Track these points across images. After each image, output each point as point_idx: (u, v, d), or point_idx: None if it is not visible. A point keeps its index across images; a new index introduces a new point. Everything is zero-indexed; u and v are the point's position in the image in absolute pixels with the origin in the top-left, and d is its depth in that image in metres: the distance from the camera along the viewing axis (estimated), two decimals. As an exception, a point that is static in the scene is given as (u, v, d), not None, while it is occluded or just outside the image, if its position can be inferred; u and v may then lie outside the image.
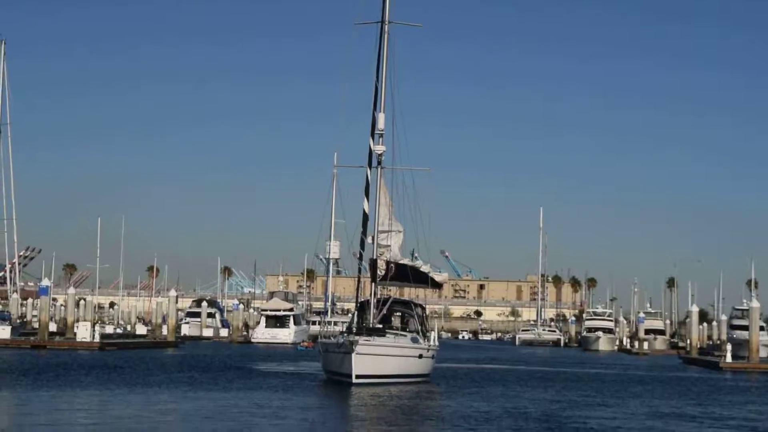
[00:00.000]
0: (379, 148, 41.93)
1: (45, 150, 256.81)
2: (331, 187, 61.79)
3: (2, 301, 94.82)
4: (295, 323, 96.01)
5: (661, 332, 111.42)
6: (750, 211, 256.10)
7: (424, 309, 44.00)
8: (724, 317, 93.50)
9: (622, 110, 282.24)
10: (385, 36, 41.82)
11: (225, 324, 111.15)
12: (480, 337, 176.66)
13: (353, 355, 35.93)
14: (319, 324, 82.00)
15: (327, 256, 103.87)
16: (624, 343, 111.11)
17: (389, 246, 42.67)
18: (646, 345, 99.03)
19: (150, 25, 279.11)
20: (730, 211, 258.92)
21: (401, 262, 42.72)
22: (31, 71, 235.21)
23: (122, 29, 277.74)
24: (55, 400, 28.61)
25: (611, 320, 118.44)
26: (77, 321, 73.74)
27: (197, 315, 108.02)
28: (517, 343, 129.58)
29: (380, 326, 39.97)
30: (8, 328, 67.57)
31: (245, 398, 31.15)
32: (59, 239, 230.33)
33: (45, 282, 71.14)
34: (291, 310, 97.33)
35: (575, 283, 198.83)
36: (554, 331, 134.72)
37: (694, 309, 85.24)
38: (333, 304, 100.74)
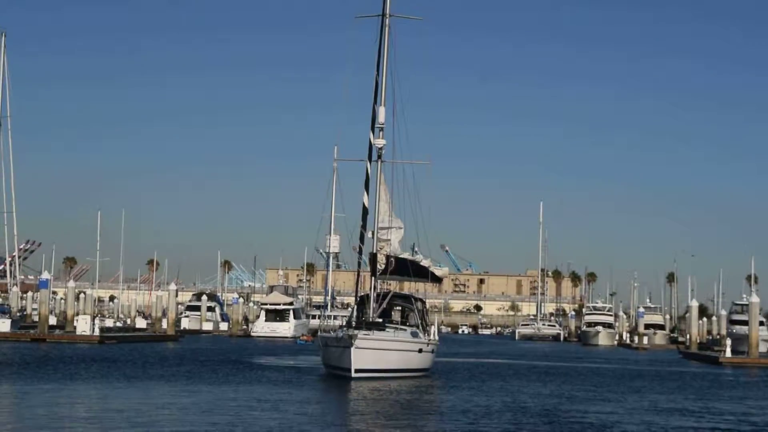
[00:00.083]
0: (379, 142, 41.88)
1: (45, 143, 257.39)
2: (332, 181, 61.86)
3: (2, 294, 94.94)
4: (294, 317, 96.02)
5: (661, 327, 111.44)
6: (750, 206, 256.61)
7: (424, 303, 43.97)
8: (723, 312, 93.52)
9: (622, 104, 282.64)
10: (386, 29, 41.77)
11: (225, 318, 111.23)
12: (480, 331, 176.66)
13: (352, 349, 35.91)
14: (319, 318, 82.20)
15: (327, 250, 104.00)
16: (624, 337, 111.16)
17: (389, 240, 42.66)
18: (645, 340, 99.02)
19: (150, 19, 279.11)
20: (731, 206, 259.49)
21: (401, 256, 42.70)
22: (32, 64, 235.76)
23: (123, 23, 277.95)
24: (55, 394, 28.61)
25: (611, 315, 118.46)
26: (77, 314, 73.72)
27: (197, 309, 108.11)
28: (516, 337, 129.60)
29: (380, 320, 39.96)
30: (8, 322, 67.68)
31: (245, 392, 31.16)
32: (59, 232, 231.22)
33: (45, 275, 71.15)
34: (291, 304, 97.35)
35: (575, 278, 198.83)
36: (554, 326, 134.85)
37: (694, 304, 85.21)
38: (333, 298, 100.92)
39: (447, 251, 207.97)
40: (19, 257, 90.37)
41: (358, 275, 43.50)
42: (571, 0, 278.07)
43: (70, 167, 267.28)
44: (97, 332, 65.42)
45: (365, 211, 41.28)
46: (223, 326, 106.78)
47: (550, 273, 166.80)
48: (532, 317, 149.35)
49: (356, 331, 36.94)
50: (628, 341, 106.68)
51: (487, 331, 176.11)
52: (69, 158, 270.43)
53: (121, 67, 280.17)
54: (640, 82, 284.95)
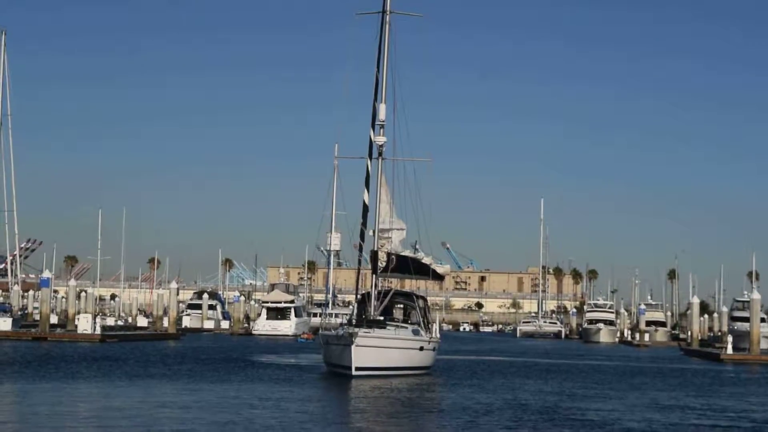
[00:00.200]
0: (379, 139, 41.84)
1: (46, 142, 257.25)
2: (332, 178, 61.87)
3: (3, 293, 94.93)
4: (296, 315, 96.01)
5: (662, 324, 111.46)
6: (751, 204, 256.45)
7: (426, 301, 43.91)
8: (725, 309, 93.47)
9: (622, 104, 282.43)
10: (386, 26, 41.74)
11: (226, 316, 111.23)
12: (481, 329, 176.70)
13: (353, 347, 35.88)
14: (320, 316, 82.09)
15: (328, 248, 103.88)
16: (625, 334, 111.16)
17: (390, 237, 42.62)
18: (647, 337, 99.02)
19: (150, 19, 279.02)
20: (731, 206, 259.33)
21: (402, 253, 42.67)
22: (32, 63, 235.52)
23: (123, 23, 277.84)
24: (56, 393, 28.60)
25: (612, 312, 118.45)
26: (78, 313, 73.72)
27: (198, 307, 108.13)
28: (518, 335, 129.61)
29: (381, 318, 39.91)
30: (9, 320, 67.66)
31: (246, 390, 31.15)
32: (60, 231, 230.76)
33: (46, 274, 71.12)
34: (292, 302, 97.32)
35: (576, 275, 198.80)
36: (555, 323, 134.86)
37: (695, 301, 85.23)
38: (334, 296, 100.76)
39: (448, 249, 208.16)
40: (20, 256, 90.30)
41: (359, 273, 43.49)
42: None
43: (71, 166, 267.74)
44: (98, 331, 65.42)
45: (366, 208, 41.24)
46: (225, 324, 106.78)
47: (551, 270, 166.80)
48: (533, 314, 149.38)
49: (357, 329, 36.90)
50: (629, 338, 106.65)
51: (488, 329, 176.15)
52: (70, 157, 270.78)
53: (121, 67, 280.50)
54: (640, 82, 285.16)
